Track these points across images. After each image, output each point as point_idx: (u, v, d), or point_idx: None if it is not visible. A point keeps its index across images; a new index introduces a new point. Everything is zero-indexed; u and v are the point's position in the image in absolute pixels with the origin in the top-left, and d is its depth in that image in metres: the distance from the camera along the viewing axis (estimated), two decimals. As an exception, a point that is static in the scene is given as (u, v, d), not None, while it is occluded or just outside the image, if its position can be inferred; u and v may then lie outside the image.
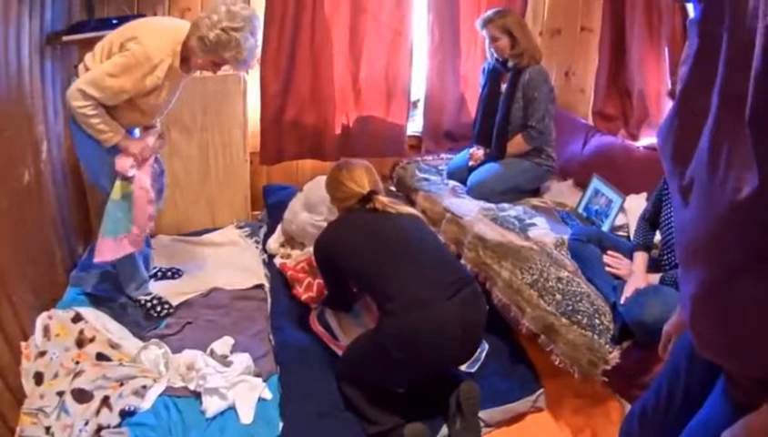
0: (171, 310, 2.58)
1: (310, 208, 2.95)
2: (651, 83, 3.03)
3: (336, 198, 2.32)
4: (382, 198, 2.22)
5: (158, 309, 2.57)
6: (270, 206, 3.38)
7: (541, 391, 2.32)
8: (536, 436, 2.21)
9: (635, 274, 2.21)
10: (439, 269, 2.04)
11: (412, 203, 3.24)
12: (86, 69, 2.15)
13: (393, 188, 3.51)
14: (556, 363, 2.16)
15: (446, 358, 2.04)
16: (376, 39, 3.39)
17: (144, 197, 2.36)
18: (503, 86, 3.17)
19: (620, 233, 2.73)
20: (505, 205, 2.99)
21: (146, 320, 2.53)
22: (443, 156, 3.62)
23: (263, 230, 3.27)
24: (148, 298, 2.60)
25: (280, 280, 2.83)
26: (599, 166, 3.11)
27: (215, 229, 3.27)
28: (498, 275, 2.51)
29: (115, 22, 2.51)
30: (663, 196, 2.25)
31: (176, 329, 2.46)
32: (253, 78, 3.23)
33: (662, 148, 0.97)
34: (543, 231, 2.72)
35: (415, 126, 3.77)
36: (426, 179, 3.34)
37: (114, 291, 2.60)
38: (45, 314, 2.27)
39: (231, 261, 2.97)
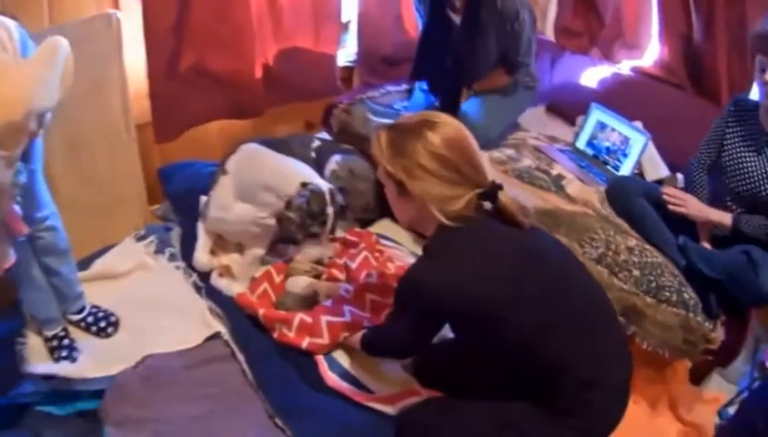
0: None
1: (247, 198, 2.01)
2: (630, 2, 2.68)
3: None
4: (507, 198, 1.36)
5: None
6: (173, 195, 2.37)
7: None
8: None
9: (710, 211, 1.98)
10: (603, 333, 1.40)
11: (374, 161, 2.44)
12: None
13: (330, 139, 2.59)
14: (643, 347, 1.88)
15: None
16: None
17: None
18: (453, 16, 2.38)
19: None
20: (509, 151, 2.43)
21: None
22: (389, 89, 2.80)
23: (175, 233, 2.26)
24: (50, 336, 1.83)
25: (239, 315, 1.91)
26: (578, 91, 2.72)
27: (107, 249, 2.17)
28: (551, 253, 2.03)
29: None
30: (726, 137, 2.01)
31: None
32: (131, 14, 2.09)
33: None
34: (578, 185, 2.24)
35: (344, 54, 2.90)
36: (387, 126, 2.56)
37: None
38: None
39: (152, 300, 1.99)
